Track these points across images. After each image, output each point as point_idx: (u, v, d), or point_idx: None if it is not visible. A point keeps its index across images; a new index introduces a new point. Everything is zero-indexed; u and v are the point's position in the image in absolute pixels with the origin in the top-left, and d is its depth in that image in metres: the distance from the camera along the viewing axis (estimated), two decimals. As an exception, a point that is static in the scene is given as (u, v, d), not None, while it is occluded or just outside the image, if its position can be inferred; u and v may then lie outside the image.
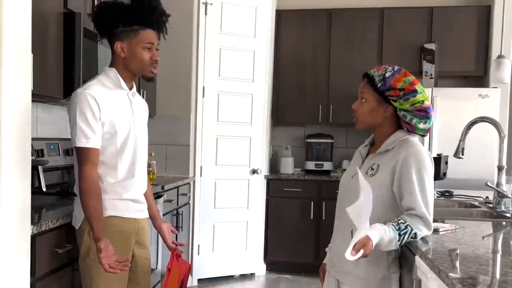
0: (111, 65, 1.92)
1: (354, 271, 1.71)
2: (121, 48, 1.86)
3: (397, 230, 1.56)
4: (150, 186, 2.19)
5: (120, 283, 1.89)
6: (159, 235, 2.22)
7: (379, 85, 1.67)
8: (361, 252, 1.47)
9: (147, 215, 2.07)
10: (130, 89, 1.95)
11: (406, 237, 1.57)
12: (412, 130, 1.71)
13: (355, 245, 1.48)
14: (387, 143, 1.71)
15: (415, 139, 1.72)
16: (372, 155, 1.76)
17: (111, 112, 1.83)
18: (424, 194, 1.61)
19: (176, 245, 2.17)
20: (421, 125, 1.68)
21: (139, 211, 1.99)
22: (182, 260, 2.17)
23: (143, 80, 2.01)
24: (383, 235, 1.53)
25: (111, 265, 1.76)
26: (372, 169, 1.71)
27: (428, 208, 1.62)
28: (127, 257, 1.88)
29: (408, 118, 1.68)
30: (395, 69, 1.68)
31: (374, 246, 1.51)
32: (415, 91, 1.65)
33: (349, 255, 1.48)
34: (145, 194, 2.06)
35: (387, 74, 1.66)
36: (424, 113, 1.67)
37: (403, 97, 1.65)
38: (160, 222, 2.17)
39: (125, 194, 1.91)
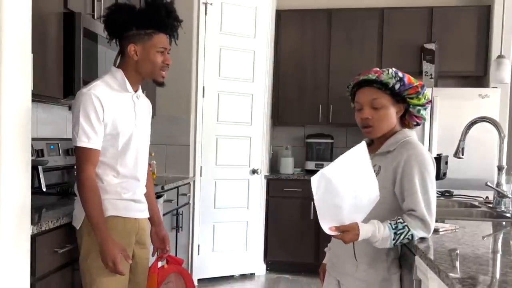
0: (118, 67, 1.92)
1: (354, 274, 1.71)
2: (134, 51, 1.86)
3: (393, 229, 1.56)
4: (153, 190, 2.19)
5: (120, 283, 1.88)
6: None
7: (397, 86, 1.66)
8: (341, 234, 1.49)
9: (148, 215, 2.07)
10: (136, 91, 1.95)
11: (402, 237, 1.57)
12: (419, 122, 1.76)
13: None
14: (388, 144, 1.70)
15: (416, 139, 1.73)
16: (371, 155, 1.75)
17: (114, 113, 1.84)
18: (427, 196, 1.61)
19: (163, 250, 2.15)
20: (425, 114, 1.75)
21: (140, 211, 1.99)
22: (171, 266, 2.16)
23: (143, 81, 2.01)
24: (375, 231, 1.53)
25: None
26: (374, 171, 1.70)
27: (430, 210, 1.61)
28: (129, 256, 1.88)
29: (421, 112, 1.73)
30: (394, 69, 1.69)
31: (360, 238, 1.50)
32: (423, 86, 1.70)
33: (327, 229, 1.48)
34: (147, 198, 2.06)
35: (400, 74, 1.67)
36: (428, 103, 1.72)
37: (421, 93, 1.68)
38: (159, 230, 2.14)
39: (125, 194, 1.91)
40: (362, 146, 1.52)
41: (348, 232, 1.49)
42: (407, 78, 1.67)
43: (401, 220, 1.58)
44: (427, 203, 1.60)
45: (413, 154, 1.63)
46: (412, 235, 1.58)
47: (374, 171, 1.68)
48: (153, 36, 1.86)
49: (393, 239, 1.56)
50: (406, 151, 1.65)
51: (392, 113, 1.70)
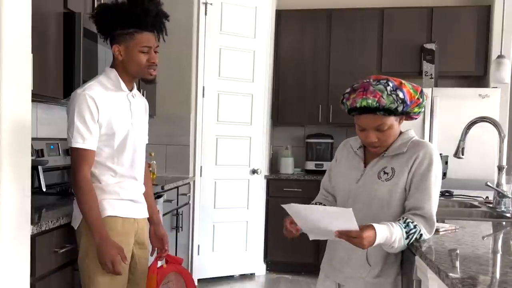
0: (112, 66, 1.92)
1: (366, 277, 1.69)
2: (119, 51, 1.86)
3: (404, 228, 1.55)
4: (152, 190, 2.18)
5: (119, 283, 1.88)
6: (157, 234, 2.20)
7: (400, 109, 1.59)
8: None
9: (147, 215, 2.06)
10: (131, 90, 1.95)
11: (413, 238, 1.56)
12: (416, 118, 1.73)
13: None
14: (397, 146, 1.69)
15: (422, 139, 1.74)
16: (378, 157, 1.72)
17: (109, 113, 1.84)
18: (436, 196, 1.63)
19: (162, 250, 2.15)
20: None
21: (138, 211, 1.99)
22: (171, 265, 2.16)
23: (135, 79, 2.00)
24: (391, 230, 1.51)
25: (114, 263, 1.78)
26: (386, 173, 1.68)
27: (435, 210, 1.62)
28: (126, 257, 1.88)
29: (420, 112, 1.70)
30: (392, 84, 1.59)
31: (376, 242, 1.49)
32: (422, 90, 1.66)
33: (333, 232, 1.46)
34: (146, 197, 2.06)
35: (401, 95, 1.58)
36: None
37: (422, 102, 1.65)
38: (158, 229, 2.13)
39: (123, 194, 1.91)
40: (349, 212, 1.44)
41: (366, 234, 1.44)
42: (408, 95, 1.59)
43: (410, 220, 1.57)
44: (435, 203, 1.62)
45: (428, 153, 1.64)
46: (421, 234, 1.58)
47: (386, 173, 1.67)
48: (135, 36, 1.84)
49: (406, 238, 1.55)
50: (421, 149, 1.65)
51: (397, 126, 1.68)
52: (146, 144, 2.09)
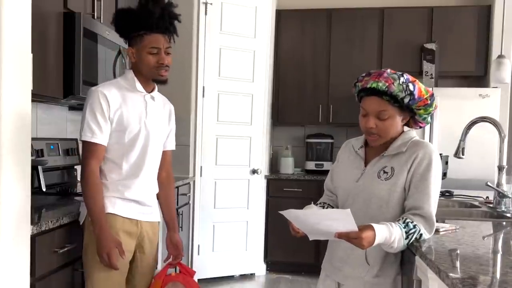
0: (130, 68, 1.97)
1: (365, 277, 1.69)
2: (132, 53, 1.91)
3: (403, 228, 1.55)
4: (173, 195, 2.19)
5: (115, 281, 1.88)
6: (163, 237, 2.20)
7: (406, 100, 1.62)
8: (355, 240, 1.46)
9: (155, 219, 2.05)
10: (150, 91, 1.97)
11: (413, 238, 1.56)
12: (422, 126, 1.75)
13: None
14: (397, 146, 1.69)
15: (422, 139, 1.74)
16: (378, 157, 1.72)
17: (120, 109, 1.86)
18: (435, 196, 1.62)
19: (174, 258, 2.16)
20: (429, 119, 1.73)
21: (143, 213, 1.97)
22: (180, 275, 2.15)
23: (150, 81, 2.01)
24: (391, 230, 1.51)
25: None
26: (385, 172, 1.68)
27: (435, 211, 1.62)
28: (124, 252, 1.87)
29: (427, 119, 1.71)
30: (406, 77, 1.63)
31: (376, 242, 1.48)
32: (433, 95, 1.67)
33: (333, 233, 1.47)
34: (165, 201, 2.09)
35: (411, 87, 1.61)
36: (435, 109, 1.70)
37: (430, 104, 1.66)
38: (173, 236, 2.15)
39: (127, 193, 1.90)
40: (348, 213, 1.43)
41: (365, 235, 1.45)
42: (418, 90, 1.62)
43: (409, 220, 1.57)
44: (434, 203, 1.61)
45: (427, 153, 1.64)
46: (421, 234, 1.58)
47: (386, 172, 1.67)
48: (144, 37, 1.87)
49: (406, 238, 1.55)
50: (421, 149, 1.65)
51: (398, 122, 1.68)
52: (172, 150, 2.12)
